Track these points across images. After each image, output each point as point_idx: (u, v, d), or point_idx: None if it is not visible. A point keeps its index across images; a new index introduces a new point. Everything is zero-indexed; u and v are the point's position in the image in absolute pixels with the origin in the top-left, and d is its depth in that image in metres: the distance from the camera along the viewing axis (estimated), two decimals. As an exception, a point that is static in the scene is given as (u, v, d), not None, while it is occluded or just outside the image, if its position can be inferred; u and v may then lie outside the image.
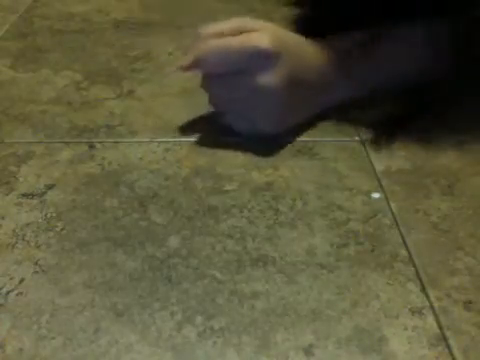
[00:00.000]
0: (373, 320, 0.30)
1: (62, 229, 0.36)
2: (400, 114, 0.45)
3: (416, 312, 0.30)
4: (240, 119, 0.42)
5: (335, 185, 0.39)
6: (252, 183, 0.39)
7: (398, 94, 0.44)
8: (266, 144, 0.43)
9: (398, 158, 0.41)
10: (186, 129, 0.45)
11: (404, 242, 0.34)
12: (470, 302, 0.30)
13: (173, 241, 0.35)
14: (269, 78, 0.39)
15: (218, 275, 0.32)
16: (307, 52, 0.42)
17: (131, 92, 0.50)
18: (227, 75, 0.40)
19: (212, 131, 0.44)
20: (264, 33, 0.39)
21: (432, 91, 0.43)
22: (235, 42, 0.39)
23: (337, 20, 0.46)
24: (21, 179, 0.40)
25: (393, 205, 0.37)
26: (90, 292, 0.31)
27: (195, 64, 0.41)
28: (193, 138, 0.44)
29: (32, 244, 0.35)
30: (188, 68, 0.41)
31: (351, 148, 0.42)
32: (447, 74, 0.42)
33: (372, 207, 0.37)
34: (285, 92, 0.40)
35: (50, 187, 0.39)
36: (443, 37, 0.43)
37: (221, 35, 0.40)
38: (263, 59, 0.39)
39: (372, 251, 0.34)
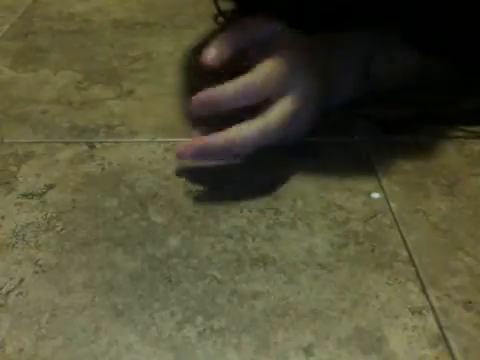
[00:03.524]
0: (373, 320, 0.30)
1: (62, 229, 0.36)
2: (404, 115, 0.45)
3: (416, 312, 0.30)
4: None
5: (335, 185, 0.39)
6: (252, 183, 0.39)
7: (399, 94, 0.44)
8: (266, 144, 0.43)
9: (398, 158, 0.41)
10: (186, 129, 0.45)
11: (404, 242, 0.34)
12: (470, 302, 0.30)
13: (173, 241, 0.35)
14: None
15: (218, 275, 0.32)
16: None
17: (131, 92, 0.50)
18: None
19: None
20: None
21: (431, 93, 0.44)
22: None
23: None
24: (21, 179, 0.40)
25: (393, 205, 0.37)
26: (90, 292, 0.31)
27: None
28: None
29: (32, 244, 0.35)
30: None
31: (351, 148, 0.42)
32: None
33: (372, 207, 0.37)
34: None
35: (50, 187, 0.39)
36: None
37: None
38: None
39: (372, 251, 0.34)
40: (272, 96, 0.38)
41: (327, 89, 0.42)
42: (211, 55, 0.38)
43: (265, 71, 0.38)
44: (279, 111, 0.38)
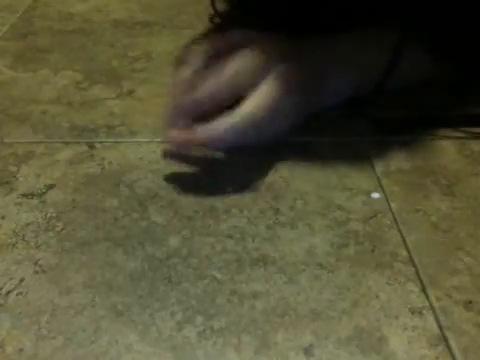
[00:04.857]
0: (373, 320, 0.30)
1: (62, 229, 0.36)
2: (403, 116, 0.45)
3: (416, 312, 0.30)
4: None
5: (335, 185, 0.39)
6: (252, 183, 0.39)
7: (398, 94, 0.44)
8: (266, 144, 0.43)
9: (398, 158, 0.41)
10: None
11: (404, 242, 0.34)
12: (470, 302, 0.30)
13: (173, 241, 0.35)
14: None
15: (218, 275, 0.32)
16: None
17: (131, 92, 0.50)
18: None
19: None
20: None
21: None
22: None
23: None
24: (21, 179, 0.40)
25: (393, 205, 0.37)
26: (90, 292, 0.31)
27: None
28: (193, 138, 0.44)
29: (32, 244, 0.35)
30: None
31: (351, 148, 0.42)
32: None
33: (372, 207, 0.37)
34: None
35: (50, 187, 0.39)
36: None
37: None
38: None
39: (372, 251, 0.34)
40: (247, 91, 0.37)
41: (314, 89, 0.42)
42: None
43: (232, 67, 0.37)
44: (250, 104, 0.37)
